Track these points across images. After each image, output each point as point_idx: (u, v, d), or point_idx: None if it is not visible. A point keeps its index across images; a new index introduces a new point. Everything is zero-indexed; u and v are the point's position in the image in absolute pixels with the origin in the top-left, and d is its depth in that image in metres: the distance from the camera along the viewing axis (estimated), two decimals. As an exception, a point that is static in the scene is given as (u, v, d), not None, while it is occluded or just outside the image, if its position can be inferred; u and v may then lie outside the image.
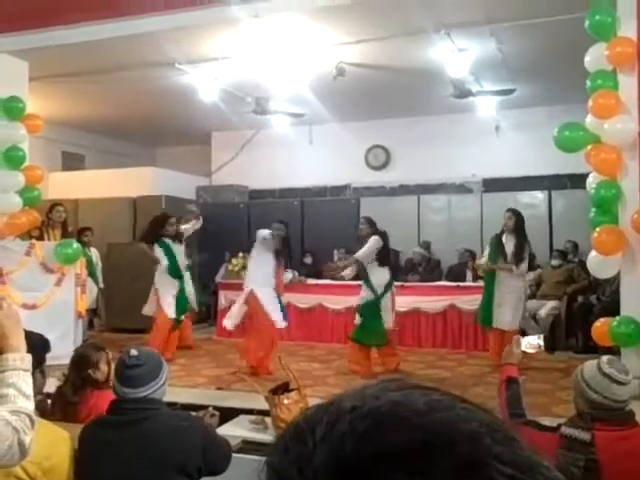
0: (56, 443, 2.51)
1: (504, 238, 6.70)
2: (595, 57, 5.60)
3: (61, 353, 6.40)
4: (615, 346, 5.46)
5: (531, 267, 7.34)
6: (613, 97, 5.45)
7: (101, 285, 8.54)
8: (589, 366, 2.58)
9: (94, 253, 8.44)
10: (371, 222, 6.63)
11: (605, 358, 2.61)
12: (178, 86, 9.04)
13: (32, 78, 7.86)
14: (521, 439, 0.53)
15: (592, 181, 5.66)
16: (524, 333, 5.81)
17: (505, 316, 6.49)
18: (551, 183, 10.00)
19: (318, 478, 0.49)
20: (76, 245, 7.22)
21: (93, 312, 8.93)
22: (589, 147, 5.59)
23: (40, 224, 7.73)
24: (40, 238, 7.62)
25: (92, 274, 8.02)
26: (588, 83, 5.61)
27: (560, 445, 2.52)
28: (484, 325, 6.87)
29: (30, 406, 1.71)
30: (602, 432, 2.46)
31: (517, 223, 6.68)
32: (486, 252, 6.86)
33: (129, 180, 10.55)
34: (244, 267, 7.86)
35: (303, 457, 0.50)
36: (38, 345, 1.83)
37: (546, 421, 2.88)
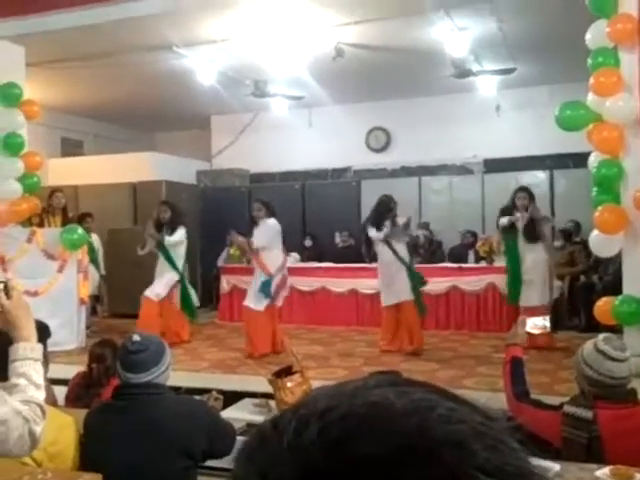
0: (61, 429, 2.53)
1: (517, 217, 6.61)
2: (596, 34, 5.54)
3: (64, 340, 6.50)
4: (618, 325, 5.47)
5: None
6: (614, 75, 5.41)
7: (103, 271, 8.54)
8: (588, 344, 2.60)
9: (95, 239, 8.42)
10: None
11: (602, 336, 2.62)
12: (176, 70, 8.98)
13: (29, 64, 7.80)
14: (514, 441, 0.48)
15: (594, 160, 5.63)
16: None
17: (533, 293, 6.49)
18: (553, 163, 9.96)
19: None
20: (81, 231, 7.22)
21: (95, 298, 8.95)
22: (591, 126, 5.55)
23: (40, 211, 7.71)
24: (40, 225, 7.62)
25: (93, 260, 8.02)
26: (589, 61, 5.56)
27: (563, 423, 2.53)
28: (513, 303, 6.84)
29: (41, 396, 1.71)
30: (604, 410, 2.47)
31: (531, 202, 6.64)
32: (503, 219, 6.70)
33: (129, 166, 10.52)
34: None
35: (268, 466, 0.46)
36: (38, 331, 1.83)
37: (549, 400, 2.90)
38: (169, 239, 7.12)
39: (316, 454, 0.45)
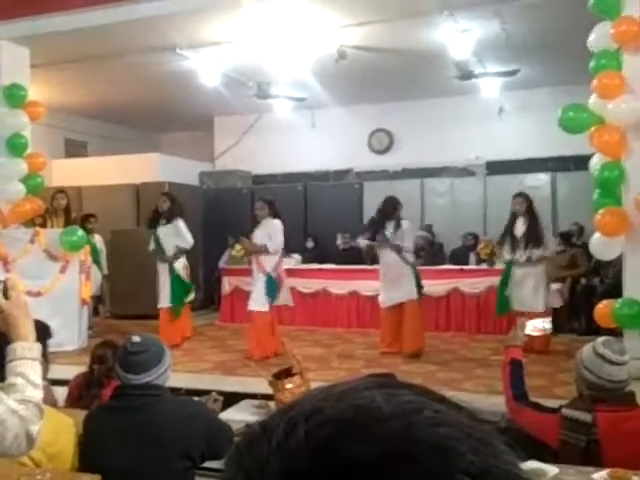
0: (61, 429, 2.53)
1: (517, 223, 6.63)
2: (599, 36, 5.54)
3: (66, 340, 6.52)
4: (618, 328, 5.46)
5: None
6: (617, 77, 5.41)
7: (105, 272, 8.55)
8: (587, 347, 2.60)
9: (98, 240, 8.44)
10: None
11: (601, 339, 2.62)
12: (180, 71, 9.01)
13: (33, 65, 7.83)
14: (502, 444, 0.47)
15: (596, 162, 5.63)
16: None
17: (525, 299, 6.48)
18: (555, 165, 9.95)
19: None
20: (81, 232, 7.23)
21: (98, 299, 8.96)
22: (593, 128, 5.55)
23: (44, 212, 7.73)
24: (44, 225, 7.64)
25: (96, 261, 8.03)
26: (592, 63, 5.56)
27: (561, 426, 2.53)
28: (502, 314, 6.86)
29: (39, 395, 1.71)
30: (603, 413, 2.47)
31: (529, 207, 6.64)
32: (506, 246, 6.71)
33: (132, 167, 10.54)
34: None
35: (255, 468, 0.47)
36: (38, 332, 1.83)
37: (547, 403, 2.90)
38: (187, 239, 7.14)
39: (302, 458, 0.45)
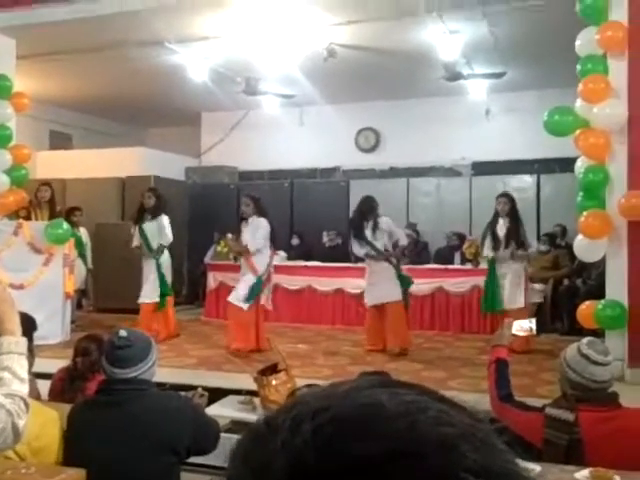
0: (46, 423, 2.52)
1: (499, 222, 6.70)
2: (586, 41, 5.60)
3: (49, 333, 6.47)
4: (599, 329, 5.52)
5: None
6: (603, 81, 5.47)
7: (90, 265, 8.50)
8: (571, 348, 2.63)
9: (83, 233, 8.38)
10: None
11: (585, 340, 2.65)
12: (168, 65, 8.96)
13: (20, 56, 7.75)
14: (501, 443, 0.49)
15: (581, 165, 5.68)
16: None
17: (505, 297, 6.54)
18: (540, 167, 10.03)
19: None
20: (66, 226, 7.18)
21: (82, 292, 8.90)
22: (578, 131, 5.61)
23: (28, 204, 7.67)
24: (28, 218, 7.57)
25: (81, 254, 7.98)
26: (578, 67, 5.61)
27: (545, 425, 2.56)
28: (489, 311, 6.93)
29: (25, 390, 1.71)
30: (586, 413, 2.50)
31: (512, 208, 6.70)
32: (487, 242, 6.81)
33: (118, 160, 10.48)
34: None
35: (261, 466, 0.47)
36: (24, 324, 1.82)
37: (531, 402, 2.92)
38: (167, 236, 7.11)
39: (309, 455, 0.45)
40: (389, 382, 0.53)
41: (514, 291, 6.53)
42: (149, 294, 7.13)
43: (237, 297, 6.50)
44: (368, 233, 6.52)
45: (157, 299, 7.11)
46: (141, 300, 7.16)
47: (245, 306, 6.45)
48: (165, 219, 7.17)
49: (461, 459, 0.45)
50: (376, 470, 0.44)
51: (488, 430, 0.49)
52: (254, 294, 6.46)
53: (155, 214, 7.14)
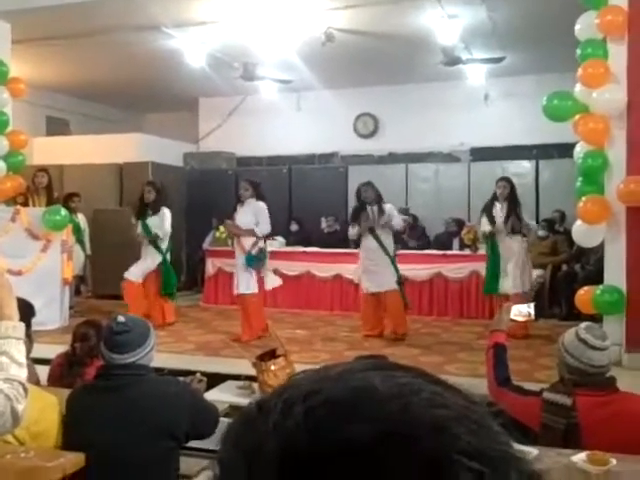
0: (45, 408, 2.53)
1: (496, 206, 6.70)
2: (585, 25, 5.56)
3: (47, 319, 6.47)
4: (597, 314, 5.54)
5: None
6: (602, 66, 5.44)
7: (88, 252, 8.49)
8: (569, 332, 2.63)
9: (81, 219, 8.36)
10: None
11: (584, 325, 2.66)
12: (165, 50, 8.90)
13: (15, 41, 7.69)
14: (496, 425, 0.48)
15: (579, 151, 5.67)
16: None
17: (509, 281, 6.55)
18: (539, 152, 10.00)
19: (267, 470, 0.45)
20: (64, 212, 7.17)
21: (80, 279, 8.90)
22: (577, 116, 5.59)
23: (25, 190, 7.65)
24: (25, 204, 7.55)
25: (80, 240, 7.98)
26: (578, 52, 5.58)
27: (542, 409, 2.57)
28: (490, 293, 6.95)
29: (23, 374, 1.71)
30: (583, 397, 2.51)
31: (512, 192, 6.70)
32: (484, 219, 6.81)
33: (115, 146, 10.43)
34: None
35: (252, 448, 0.47)
36: (23, 310, 1.82)
37: (528, 387, 2.94)
38: (165, 228, 7.10)
39: (300, 438, 0.45)
40: (383, 365, 0.52)
41: (518, 275, 6.54)
42: (136, 273, 7.14)
43: (247, 287, 6.47)
44: (372, 217, 6.53)
45: (141, 280, 7.13)
46: (126, 274, 7.16)
47: (255, 287, 6.47)
48: (167, 212, 7.16)
49: (455, 441, 0.44)
50: (368, 452, 0.44)
51: (483, 412, 0.49)
52: (251, 262, 6.44)
53: (156, 209, 7.13)
